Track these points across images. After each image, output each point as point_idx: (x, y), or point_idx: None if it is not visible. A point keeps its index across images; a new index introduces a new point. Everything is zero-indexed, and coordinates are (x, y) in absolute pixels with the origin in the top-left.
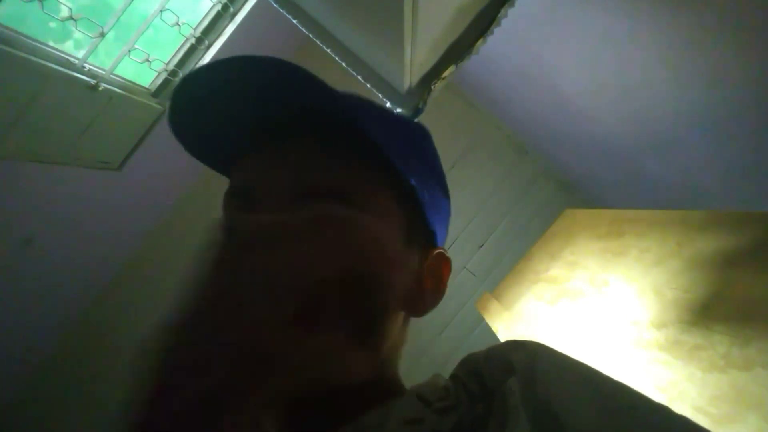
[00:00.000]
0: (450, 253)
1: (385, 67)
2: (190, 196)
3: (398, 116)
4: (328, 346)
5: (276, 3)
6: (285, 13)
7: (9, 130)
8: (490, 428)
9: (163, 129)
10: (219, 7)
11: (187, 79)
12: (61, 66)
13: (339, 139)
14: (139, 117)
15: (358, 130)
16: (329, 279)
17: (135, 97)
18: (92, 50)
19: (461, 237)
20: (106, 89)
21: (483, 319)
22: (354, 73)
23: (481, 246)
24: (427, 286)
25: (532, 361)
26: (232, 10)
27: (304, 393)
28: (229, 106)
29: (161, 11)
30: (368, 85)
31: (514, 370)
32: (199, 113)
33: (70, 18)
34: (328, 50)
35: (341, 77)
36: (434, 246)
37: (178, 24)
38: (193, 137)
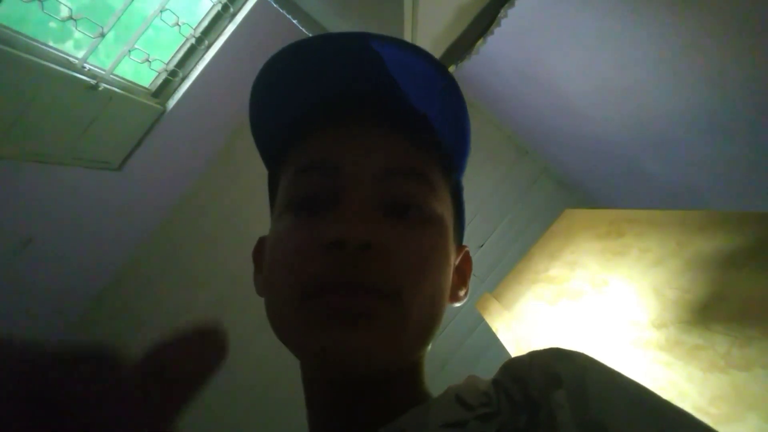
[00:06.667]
0: None
1: None
2: (190, 196)
3: (464, 109)
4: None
5: (276, 3)
6: (285, 13)
7: (9, 130)
8: None
9: (163, 129)
10: (219, 7)
11: (295, 46)
12: (61, 66)
13: (416, 128)
14: (139, 117)
15: (432, 126)
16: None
17: (135, 97)
18: (92, 50)
19: None
20: (106, 89)
21: (483, 319)
22: None
23: (481, 246)
24: (454, 282)
25: (582, 375)
26: (232, 10)
27: (387, 366)
28: (318, 80)
29: (161, 11)
30: None
31: (562, 383)
32: (290, 84)
33: (70, 18)
34: None
35: None
36: (461, 244)
37: (178, 24)
38: (272, 106)
